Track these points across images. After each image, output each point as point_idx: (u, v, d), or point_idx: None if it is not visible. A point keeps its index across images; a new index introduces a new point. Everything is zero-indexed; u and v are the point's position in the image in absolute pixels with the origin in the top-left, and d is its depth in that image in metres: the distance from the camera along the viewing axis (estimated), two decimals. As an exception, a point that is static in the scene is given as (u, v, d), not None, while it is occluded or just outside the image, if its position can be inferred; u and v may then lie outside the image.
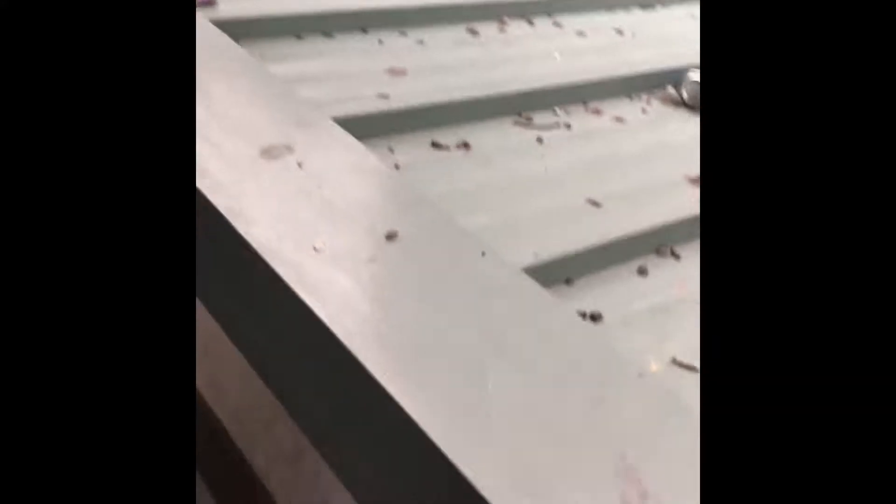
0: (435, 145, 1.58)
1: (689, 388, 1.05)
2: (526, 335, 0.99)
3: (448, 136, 1.61)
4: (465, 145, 1.60)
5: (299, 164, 1.27)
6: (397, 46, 2.01)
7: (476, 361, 0.94)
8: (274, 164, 1.26)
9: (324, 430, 1.02)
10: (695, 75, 1.98)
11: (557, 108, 1.83)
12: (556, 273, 1.23)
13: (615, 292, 1.25)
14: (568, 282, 1.25)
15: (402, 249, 1.11)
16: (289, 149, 1.30)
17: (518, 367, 0.94)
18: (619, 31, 2.39)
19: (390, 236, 1.13)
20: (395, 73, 1.86)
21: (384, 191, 1.25)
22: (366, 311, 0.99)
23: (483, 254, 1.13)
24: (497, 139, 1.65)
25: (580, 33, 2.31)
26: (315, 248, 1.08)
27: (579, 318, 1.10)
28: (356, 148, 1.36)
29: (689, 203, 1.51)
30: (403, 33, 2.08)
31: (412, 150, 1.55)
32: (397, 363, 0.91)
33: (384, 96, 1.68)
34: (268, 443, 1.94)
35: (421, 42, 2.05)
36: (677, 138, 1.83)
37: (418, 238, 1.14)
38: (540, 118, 1.78)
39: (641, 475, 0.83)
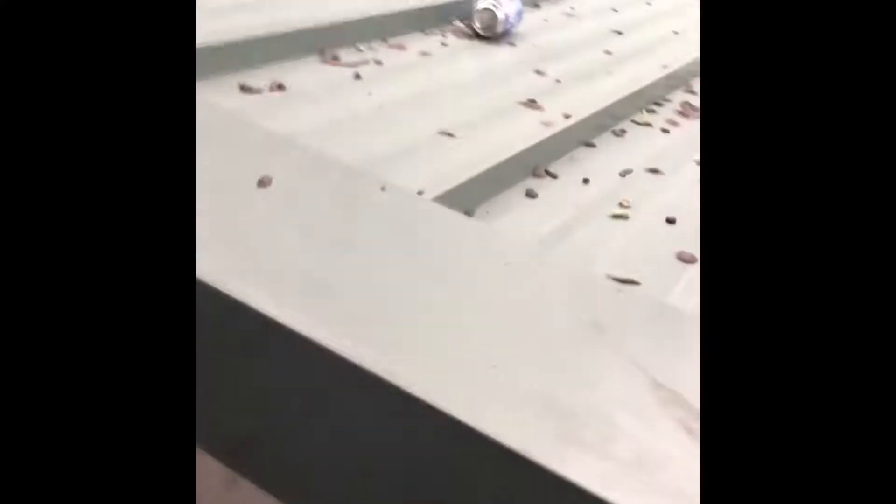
0: (245, 88, 1.30)
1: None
2: (481, 269, 0.80)
3: (257, 78, 1.34)
4: (280, 86, 1.34)
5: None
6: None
7: (438, 307, 0.73)
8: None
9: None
10: (483, 2, 1.88)
11: (361, 45, 1.63)
12: (453, 206, 1.04)
13: (518, 219, 1.11)
14: (468, 213, 1.07)
15: (285, 194, 0.86)
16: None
17: (488, 304, 0.75)
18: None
19: (263, 182, 0.87)
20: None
21: (231, 133, 0.97)
22: (269, 270, 0.73)
23: (383, 188, 0.91)
24: (312, 78, 1.41)
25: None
26: (177, 207, 0.79)
27: (531, 243, 0.93)
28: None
29: (529, 125, 1.41)
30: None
31: (219, 95, 1.26)
32: (359, 333, 0.68)
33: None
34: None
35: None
36: (488, 67, 1.73)
37: (299, 179, 0.89)
38: (346, 55, 1.56)
39: (685, 396, 0.69)
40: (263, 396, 0.72)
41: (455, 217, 0.89)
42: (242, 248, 0.76)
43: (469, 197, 1.09)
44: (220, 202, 0.83)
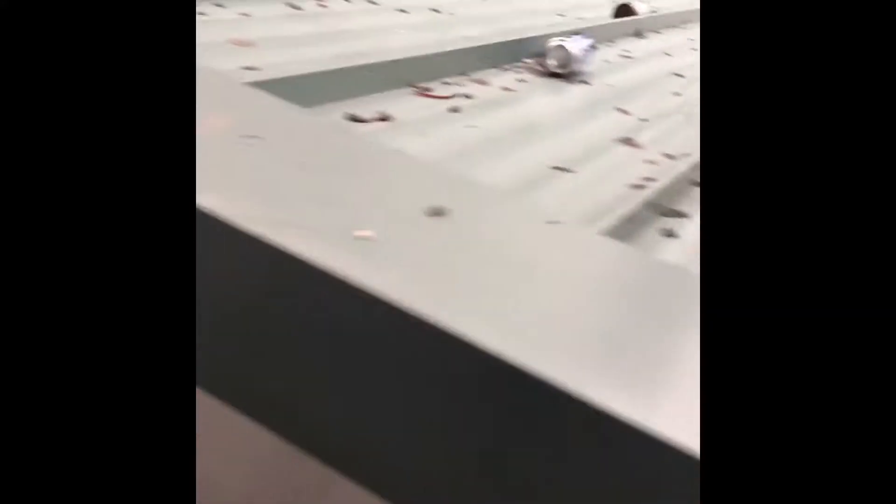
0: (354, 118, 1.24)
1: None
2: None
3: (362, 109, 1.28)
4: (385, 117, 1.28)
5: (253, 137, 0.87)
6: (225, 18, 1.61)
7: (673, 354, 0.66)
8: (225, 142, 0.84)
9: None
10: (556, 40, 1.85)
11: (447, 79, 1.58)
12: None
13: (664, 258, 1.04)
14: (620, 252, 1.01)
15: (464, 225, 0.79)
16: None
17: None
18: (436, 10, 2.22)
19: (436, 213, 0.80)
20: (242, 44, 1.47)
21: (381, 159, 0.90)
22: (496, 306, 0.66)
23: (551, 221, 0.84)
24: (412, 110, 1.36)
25: (402, 10, 2.08)
26: (368, 238, 0.71)
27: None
28: (310, 117, 0.98)
29: (635, 162, 1.36)
30: (221, 5, 1.68)
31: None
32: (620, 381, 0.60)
33: (252, 68, 1.29)
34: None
35: (246, 15, 1.67)
36: (570, 103, 1.69)
37: (470, 210, 0.82)
38: (436, 89, 1.51)
39: None
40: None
41: (642, 257, 0.83)
42: (443, 282, 0.68)
43: (616, 236, 1.03)
44: (398, 231, 0.75)
